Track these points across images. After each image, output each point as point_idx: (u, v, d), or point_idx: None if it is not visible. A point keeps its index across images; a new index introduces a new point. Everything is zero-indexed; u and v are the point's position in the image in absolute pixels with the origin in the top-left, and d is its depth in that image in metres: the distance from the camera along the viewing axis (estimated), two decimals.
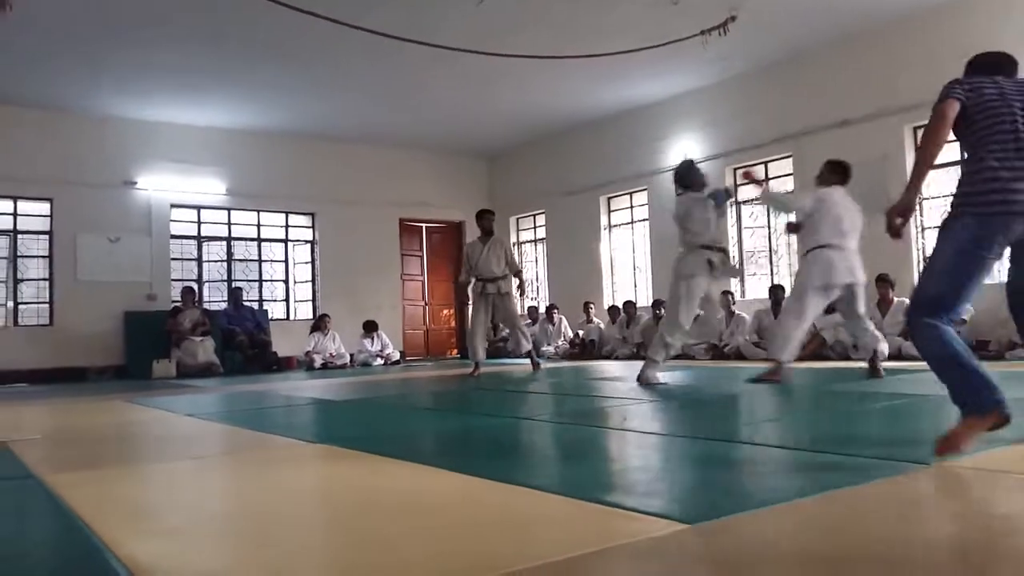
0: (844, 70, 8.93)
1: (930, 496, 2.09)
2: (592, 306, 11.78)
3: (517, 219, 14.11)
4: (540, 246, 13.75)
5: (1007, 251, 2.61)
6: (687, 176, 5.99)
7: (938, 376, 2.56)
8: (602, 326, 11.51)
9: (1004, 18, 7.59)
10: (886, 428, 3.35)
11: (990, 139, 2.57)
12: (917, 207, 2.59)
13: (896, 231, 2.64)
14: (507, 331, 8.25)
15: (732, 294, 9.82)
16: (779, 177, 9.81)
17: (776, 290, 9.25)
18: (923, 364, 2.67)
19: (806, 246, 5.41)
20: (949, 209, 2.60)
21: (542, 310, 12.54)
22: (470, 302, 8.01)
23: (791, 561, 1.56)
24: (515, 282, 8.08)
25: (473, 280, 7.93)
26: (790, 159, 9.57)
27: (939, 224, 2.65)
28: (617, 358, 10.54)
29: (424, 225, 13.91)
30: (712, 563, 1.61)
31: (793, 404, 4.57)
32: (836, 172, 5.54)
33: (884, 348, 5.60)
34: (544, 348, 11.66)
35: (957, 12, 7.93)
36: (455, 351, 14.02)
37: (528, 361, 8.32)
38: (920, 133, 8.42)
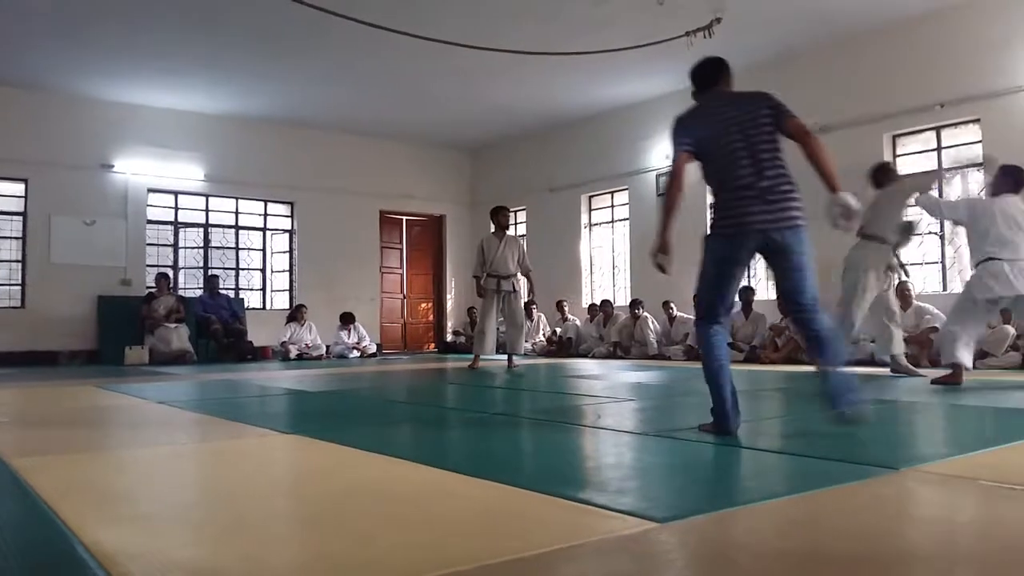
0: (826, 76, 9.00)
1: (898, 500, 2.11)
2: (566, 304, 11.80)
3: None
4: (521, 242, 13.74)
5: (765, 266, 3.22)
6: (886, 175, 6.16)
7: (705, 377, 3.19)
8: (579, 324, 11.54)
9: (988, 26, 7.68)
10: (856, 432, 3.38)
11: (724, 179, 3.12)
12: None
13: (660, 268, 3.24)
14: (505, 328, 8.16)
15: None
16: None
17: (746, 291, 9.34)
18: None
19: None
20: (707, 233, 3.16)
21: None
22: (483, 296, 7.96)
23: (759, 560, 1.57)
24: (526, 284, 8.13)
25: (485, 275, 7.86)
26: None
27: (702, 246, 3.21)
28: (594, 356, 10.57)
29: (405, 218, 13.85)
30: (681, 561, 1.62)
31: (765, 407, 4.61)
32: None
33: None
34: None
35: (940, 20, 8.00)
36: (432, 345, 14.00)
37: (504, 358, 8.31)
38: (899, 141, 8.55)
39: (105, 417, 4.41)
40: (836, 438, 3.07)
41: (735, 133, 3.09)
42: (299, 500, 2.29)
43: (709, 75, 3.36)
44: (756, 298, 9.40)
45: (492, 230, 8.07)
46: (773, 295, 9.22)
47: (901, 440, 3.36)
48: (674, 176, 3.18)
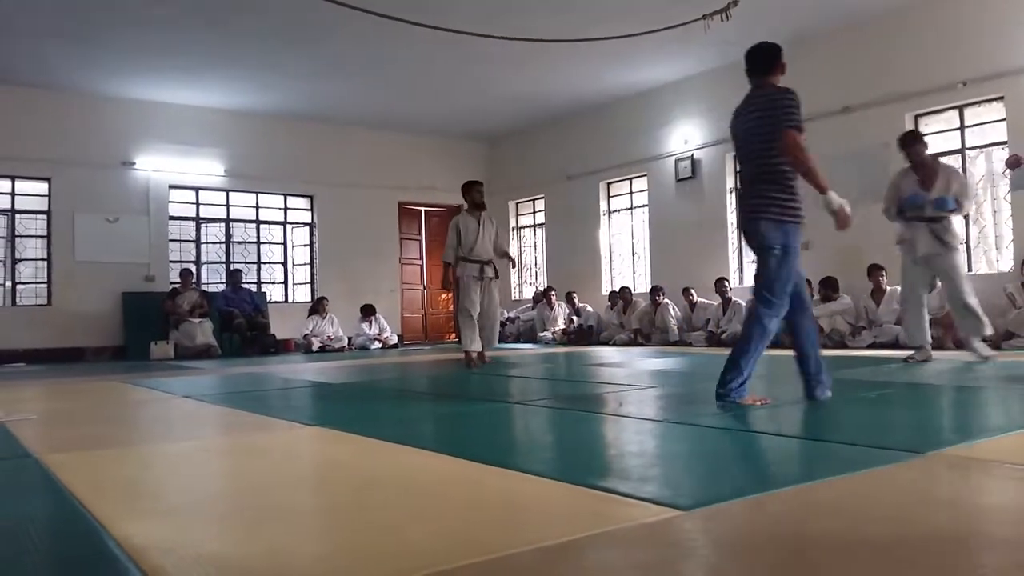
0: (847, 56, 8.88)
1: (923, 484, 2.10)
2: (576, 295, 11.78)
3: (516, 203, 14.09)
4: (539, 231, 13.74)
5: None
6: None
7: None
8: (600, 312, 11.52)
9: (1009, 3, 7.54)
10: (880, 417, 3.37)
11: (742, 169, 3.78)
12: None
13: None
14: (480, 319, 7.07)
15: (728, 281, 9.82)
16: None
17: None
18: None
19: None
20: None
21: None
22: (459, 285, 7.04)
23: (784, 548, 1.57)
24: (509, 263, 7.51)
25: (461, 261, 6.94)
26: None
27: None
28: (615, 344, 10.56)
29: (423, 209, 13.88)
30: (706, 549, 1.62)
31: (787, 392, 4.58)
32: None
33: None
34: (541, 333, 11.68)
35: None
36: (453, 335, 14.03)
37: (527, 346, 8.27)
38: (922, 121, 8.42)
39: (133, 412, 4.47)
40: (860, 423, 3.05)
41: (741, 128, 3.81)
42: (325, 492, 2.31)
43: (751, 66, 4.07)
44: None
45: (466, 208, 7.09)
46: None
47: (925, 424, 3.33)
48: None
